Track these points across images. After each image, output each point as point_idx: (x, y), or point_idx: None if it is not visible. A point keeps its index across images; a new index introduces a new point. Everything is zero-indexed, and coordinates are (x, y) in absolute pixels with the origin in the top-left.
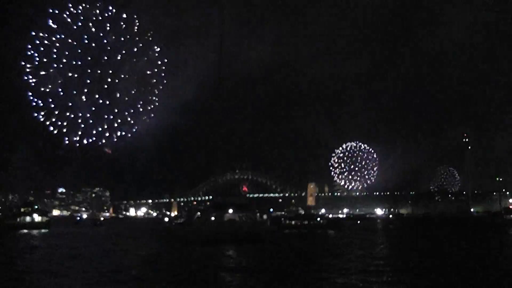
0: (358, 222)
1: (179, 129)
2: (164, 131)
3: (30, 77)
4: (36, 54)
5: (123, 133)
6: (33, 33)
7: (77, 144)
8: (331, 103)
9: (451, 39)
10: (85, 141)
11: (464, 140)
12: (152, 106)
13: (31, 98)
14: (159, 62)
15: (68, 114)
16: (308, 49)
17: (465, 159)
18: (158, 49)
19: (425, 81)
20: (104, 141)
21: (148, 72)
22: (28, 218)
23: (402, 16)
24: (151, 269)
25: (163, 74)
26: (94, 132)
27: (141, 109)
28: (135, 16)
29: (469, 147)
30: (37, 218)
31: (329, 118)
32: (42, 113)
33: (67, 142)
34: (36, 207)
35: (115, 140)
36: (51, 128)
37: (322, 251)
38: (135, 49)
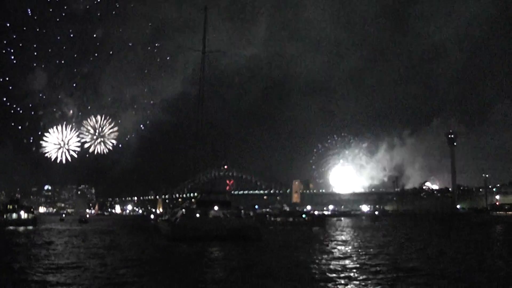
0: (342, 219)
1: (164, 125)
2: (149, 128)
3: (7, 78)
4: (12, 51)
5: (109, 131)
6: (8, 25)
7: (61, 144)
8: (320, 98)
9: (443, 33)
10: (71, 140)
11: (450, 136)
12: (139, 103)
13: (8, 104)
14: (149, 57)
15: (52, 114)
16: (300, 43)
17: (451, 155)
18: (158, 44)
19: (416, 76)
20: (90, 139)
21: (137, 68)
22: (14, 215)
23: (397, 9)
24: (137, 267)
25: (151, 70)
26: (80, 131)
27: (128, 106)
28: (132, 5)
29: (455, 144)
30: (23, 215)
31: (318, 114)
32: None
33: (46, 150)
34: (23, 204)
35: (102, 138)
36: (31, 134)
37: (307, 248)
38: (130, 44)
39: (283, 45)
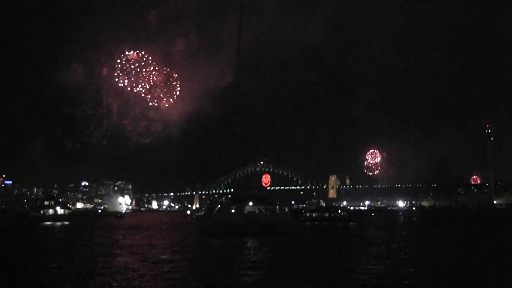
0: (373, 214)
1: (206, 119)
2: (191, 121)
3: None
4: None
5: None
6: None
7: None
8: (374, 90)
9: None
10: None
11: (486, 131)
12: (186, 93)
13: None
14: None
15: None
16: (364, 32)
17: (487, 150)
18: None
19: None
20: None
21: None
22: (51, 211)
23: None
24: (173, 263)
25: (201, 56)
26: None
27: (173, 95)
28: None
29: (491, 138)
30: (59, 210)
31: (368, 108)
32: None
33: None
34: (60, 200)
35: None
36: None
37: (341, 245)
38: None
39: (346, 33)
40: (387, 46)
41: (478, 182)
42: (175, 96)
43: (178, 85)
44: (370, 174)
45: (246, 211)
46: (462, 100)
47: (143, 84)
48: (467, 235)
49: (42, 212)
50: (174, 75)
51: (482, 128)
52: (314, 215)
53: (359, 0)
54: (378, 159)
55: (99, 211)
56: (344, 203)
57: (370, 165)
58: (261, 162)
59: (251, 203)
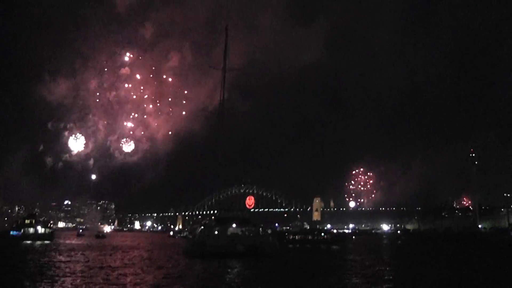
0: (353, 237)
1: (193, 139)
2: (177, 141)
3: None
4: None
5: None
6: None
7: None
8: (366, 112)
9: None
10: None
11: (470, 155)
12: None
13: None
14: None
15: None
16: (354, 55)
17: (471, 174)
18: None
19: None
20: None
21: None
22: (31, 230)
23: None
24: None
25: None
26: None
27: (161, 115)
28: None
29: (476, 162)
30: (40, 229)
31: (343, 132)
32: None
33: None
34: (41, 219)
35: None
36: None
37: (322, 268)
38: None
39: (341, 53)
40: (378, 66)
41: (468, 204)
42: (164, 114)
43: (168, 103)
44: (359, 200)
45: (229, 233)
46: (450, 122)
47: (132, 100)
48: (448, 258)
49: (22, 230)
50: (165, 92)
51: (469, 151)
52: (297, 237)
53: (355, 18)
54: (365, 182)
55: (81, 230)
56: (328, 225)
57: (356, 188)
58: (245, 184)
59: (234, 225)
